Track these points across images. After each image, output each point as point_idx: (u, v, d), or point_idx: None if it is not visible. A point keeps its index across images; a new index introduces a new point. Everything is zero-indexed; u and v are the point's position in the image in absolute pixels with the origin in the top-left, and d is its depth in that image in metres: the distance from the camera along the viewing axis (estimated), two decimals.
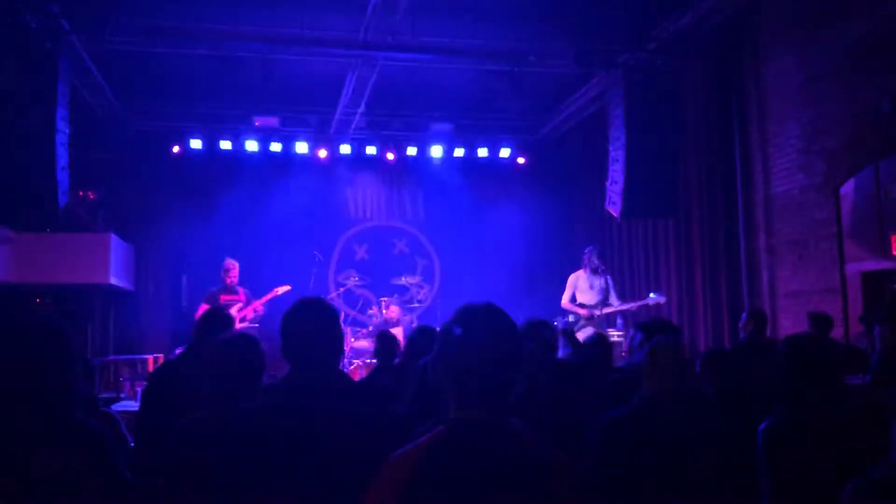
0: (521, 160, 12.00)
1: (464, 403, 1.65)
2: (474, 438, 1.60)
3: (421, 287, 11.79)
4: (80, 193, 9.58)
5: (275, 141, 10.98)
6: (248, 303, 8.40)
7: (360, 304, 10.89)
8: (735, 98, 8.08)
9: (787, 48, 7.32)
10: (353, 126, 10.67)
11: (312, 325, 2.46)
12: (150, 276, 10.78)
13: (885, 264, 6.32)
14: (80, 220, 9.49)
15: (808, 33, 7.04)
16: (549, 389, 3.46)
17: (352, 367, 9.09)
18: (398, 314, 9.80)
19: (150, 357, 9.24)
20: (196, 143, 10.72)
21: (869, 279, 6.51)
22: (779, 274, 7.48)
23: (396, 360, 4.90)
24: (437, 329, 1.79)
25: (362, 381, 4.70)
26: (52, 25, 6.76)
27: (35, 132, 6.56)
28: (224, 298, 8.27)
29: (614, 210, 8.31)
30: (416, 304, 11.18)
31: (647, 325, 3.74)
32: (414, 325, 10.69)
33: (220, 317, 3.90)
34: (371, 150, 11.42)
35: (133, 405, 6.89)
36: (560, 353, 4.67)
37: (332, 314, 2.54)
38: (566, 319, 8.21)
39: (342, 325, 2.64)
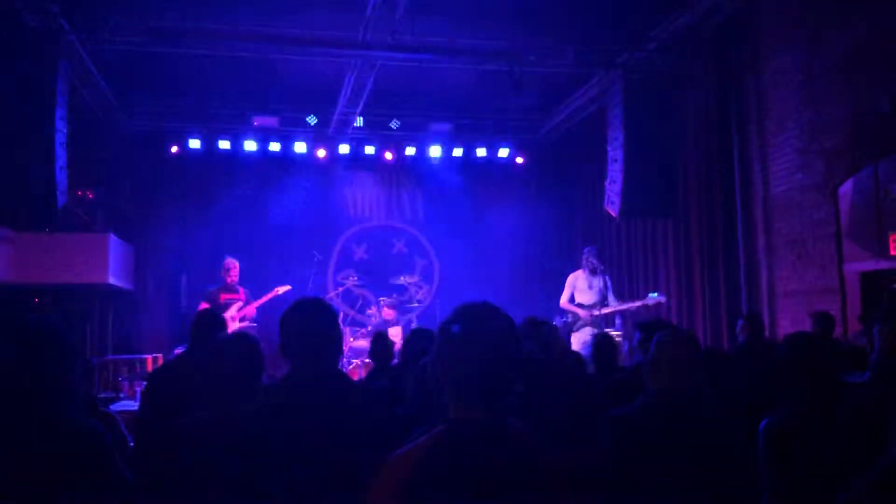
0: (519, 160, 12.00)
1: (463, 403, 1.65)
2: (473, 438, 1.60)
3: (420, 287, 11.80)
4: (79, 193, 9.57)
5: (274, 141, 10.97)
6: (247, 302, 8.40)
7: (359, 304, 10.89)
8: (734, 98, 8.08)
9: (786, 48, 7.32)
10: (351, 126, 10.67)
11: (311, 324, 2.46)
12: (149, 276, 10.77)
13: (883, 264, 6.32)
14: (79, 219, 9.48)
15: (807, 33, 7.05)
16: (548, 388, 3.47)
17: (351, 366, 9.09)
18: (394, 316, 9.82)
19: (148, 357, 9.24)
20: (195, 143, 10.71)
21: (868, 279, 6.51)
22: (778, 273, 7.48)
23: (394, 362, 4.91)
24: (435, 330, 1.79)
25: (361, 382, 4.70)
26: (52, 25, 6.76)
27: (34, 132, 6.56)
28: (224, 298, 8.26)
29: (613, 210, 8.32)
30: (415, 304, 11.18)
31: (647, 325, 3.74)
32: (413, 324, 10.71)
33: (212, 317, 3.90)
34: (370, 149, 11.42)
35: (132, 405, 6.88)
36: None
37: (331, 314, 2.55)
38: (565, 319, 8.21)
39: (341, 324, 2.64)
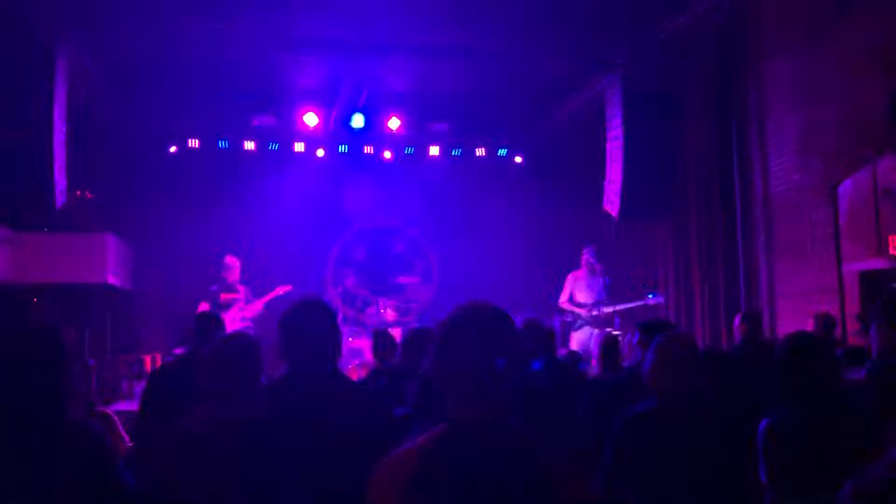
0: (518, 160, 12.00)
1: (462, 403, 1.65)
2: (473, 437, 1.60)
3: (419, 287, 11.80)
4: (78, 193, 9.56)
5: (272, 140, 10.96)
6: (248, 301, 8.38)
7: (358, 304, 10.88)
8: (733, 98, 8.08)
9: (785, 48, 7.32)
10: (350, 126, 10.66)
11: (310, 325, 2.46)
12: (148, 276, 10.75)
13: (882, 264, 6.33)
14: (78, 219, 9.47)
15: (806, 33, 7.05)
16: (547, 388, 3.47)
17: (349, 367, 9.09)
18: (394, 318, 9.83)
19: (147, 357, 9.23)
20: (194, 143, 10.70)
21: (867, 279, 6.51)
22: (777, 273, 7.48)
23: (395, 361, 4.89)
24: (434, 328, 1.79)
25: (361, 382, 4.69)
26: (51, 25, 6.75)
27: (33, 131, 6.55)
28: (224, 297, 8.24)
29: (612, 210, 8.32)
30: (414, 304, 11.19)
31: (646, 325, 3.74)
32: (413, 325, 10.71)
33: (212, 318, 3.90)
34: (369, 149, 11.41)
35: (131, 405, 6.88)
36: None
37: (330, 314, 2.55)
38: (564, 319, 8.22)
39: (340, 324, 2.64)
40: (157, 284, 10.81)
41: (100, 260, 8.96)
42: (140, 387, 6.61)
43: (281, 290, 8.64)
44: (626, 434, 2.65)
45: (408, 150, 11.49)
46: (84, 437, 2.17)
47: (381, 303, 10.07)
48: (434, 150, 11.46)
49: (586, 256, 8.21)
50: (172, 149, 10.76)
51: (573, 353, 6.56)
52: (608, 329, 7.83)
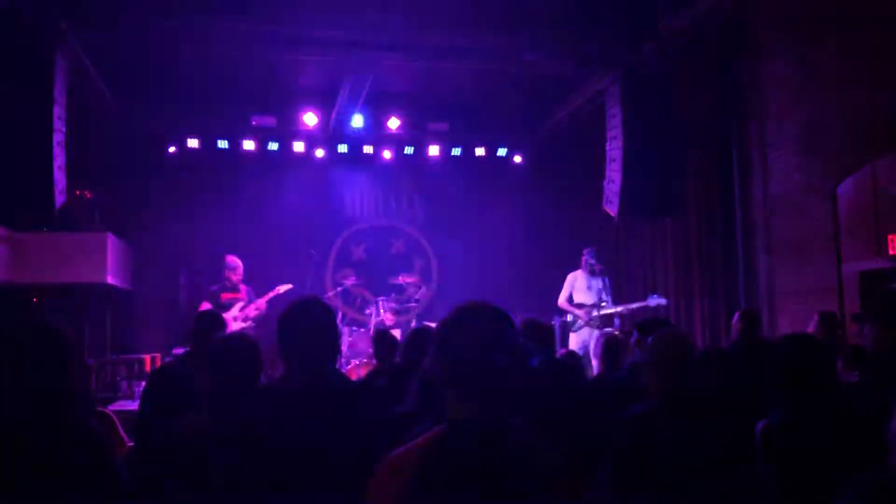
0: (518, 159, 12.00)
1: (462, 403, 1.64)
2: (473, 438, 1.60)
3: (418, 286, 11.78)
4: (77, 193, 9.56)
5: (272, 140, 10.96)
6: (250, 301, 8.37)
7: (357, 304, 10.88)
8: (733, 97, 8.07)
9: (785, 48, 7.33)
10: (350, 125, 10.66)
11: (309, 325, 2.46)
12: (148, 276, 10.75)
13: (882, 264, 6.33)
14: (77, 219, 9.46)
15: (806, 33, 7.05)
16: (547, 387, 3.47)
17: (349, 366, 9.08)
18: (394, 318, 9.82)
19: (147, 357, 9.23)
20: (193, 143, 10.70)
21: (866, 278, 6.52)
22: (776, 273, 7.48)
23: (395, 360, 4.88)
24: (434, 328, 1.78)
25: (360, 382, 4.69)
26: (50, 24, 6.75)
27: (32, 131, 6.55)
28: (225, 297, 8.24)
29: (612, 210, 8.32)
30: (414, 304, 11.17)
31: (644, 325, 3.74)
32: (412, 324, 10.70)
33: (212, 317, 3.90)
34: (368, 149, 11.42)
35: (130, 405, 6.88)
36: None
37: (329, 314, 2.55)
38: (564, 319, 8.22)
39: (339, 324, 2.64)
40: (157, 284, 10.81)
41: (99, 260, 8.94)
42: (140, 387, 6.62)
43: (281, 289, 8.63)
44: (625, 434, 2.65)
45: (407, 150, 11.48)
46: (85, 437, 2.17)
47: (380, 302, 10.06)
48: (434, 150, 11.46)
49: (586, 257, 8.21)
50: (172, 149, 10.76)
51: (572, 353, 6.56)
52: (608, 329, 7.84)
